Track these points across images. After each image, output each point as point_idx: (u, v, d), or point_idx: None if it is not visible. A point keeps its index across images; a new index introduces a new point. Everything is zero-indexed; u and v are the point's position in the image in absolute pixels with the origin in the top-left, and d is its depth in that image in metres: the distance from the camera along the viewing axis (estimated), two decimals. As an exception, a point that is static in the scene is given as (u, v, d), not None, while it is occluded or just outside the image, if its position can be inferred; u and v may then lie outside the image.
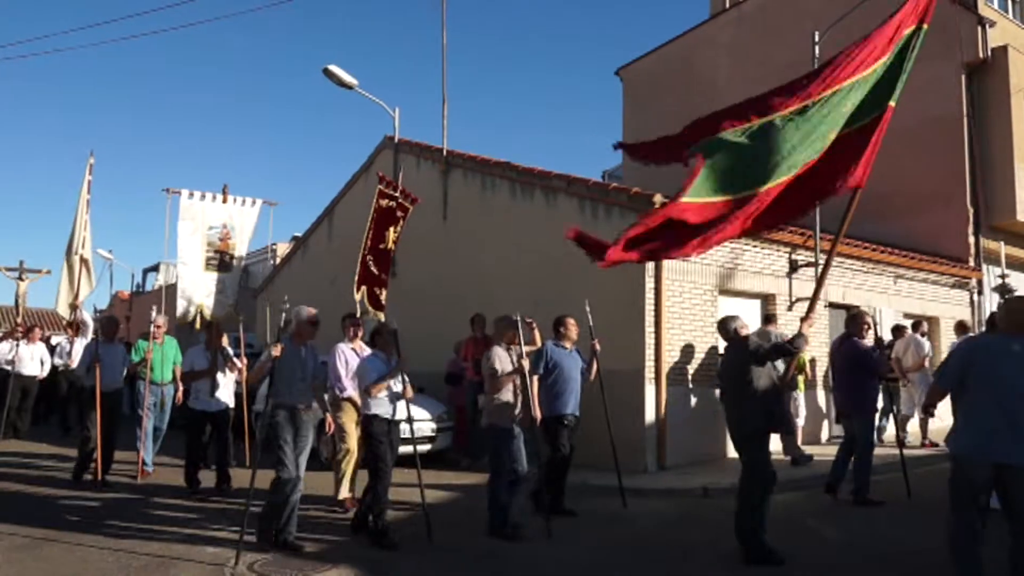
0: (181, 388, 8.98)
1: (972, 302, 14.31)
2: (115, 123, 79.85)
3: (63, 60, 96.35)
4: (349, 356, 7.26)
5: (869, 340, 7.74)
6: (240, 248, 8.77)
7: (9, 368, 12.13)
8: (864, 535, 6.35)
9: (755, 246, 10.80)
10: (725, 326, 5.85)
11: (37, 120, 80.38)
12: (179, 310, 8.18)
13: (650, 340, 9.38)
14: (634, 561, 5.60)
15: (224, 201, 8.72)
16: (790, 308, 11.05)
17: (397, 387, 6.13)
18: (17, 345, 12.21)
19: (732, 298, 10.63)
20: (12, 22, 77.14)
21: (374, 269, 7.66)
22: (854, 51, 5.11)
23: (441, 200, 13.02)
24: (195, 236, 8.24)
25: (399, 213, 7.68)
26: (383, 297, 7.82)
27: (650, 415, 9.29)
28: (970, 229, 14.19)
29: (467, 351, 10.15)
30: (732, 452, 10.18)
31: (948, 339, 13.44)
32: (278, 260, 23.84)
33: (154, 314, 8.80)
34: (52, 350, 14.32)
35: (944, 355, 12.67)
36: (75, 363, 11.55)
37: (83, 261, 11.21)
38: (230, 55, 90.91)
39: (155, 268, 34.45)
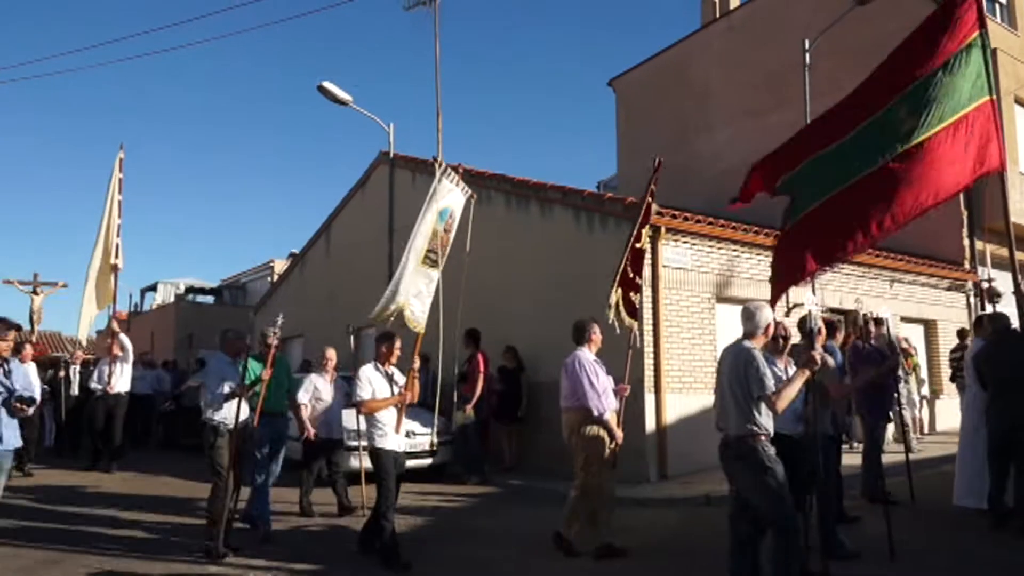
0: (307, 423, 7.57)
1: (969, 304, 14.34)
2: (120, 136, 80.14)
3: (70, 78, 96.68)
4: (599, 367, 5.96)
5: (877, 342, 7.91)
6: (449, 246, 6.69)
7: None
8: (869, 536, 6.36)
9: (751, 253, 10.84)
10: (1002, 320, 6.70)
11: (50, 129, 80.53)
12: (380, 304, 6.23)
13: (648, 349, 9.40)
14: (638, 571, 5.59)
15: (456, 183, 6.70)
16: (787, 314, 11.06)
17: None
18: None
19: (730, 306, 10.65)
20: (24, 40, 77.51)
21: (630, 271, 6.73)
22: (899, 60, 5.15)
23: (437, 214, 13.05)
24: (427, 220, 6.42)
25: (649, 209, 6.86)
26: (636, 302, 6.80)
27: (650, 424, 9.29)
28: (964, 232, 14.25)
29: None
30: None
31: (947, 342, 13.48)
32: (276, 277, 23.92)
33: (276, 326, 6.69)
34: (85, 372, 13.72)
35: (956, 359, 12.72)
36: (114, 388, 10.86)
37: (115, 270, 10.30)
38: (226, 73, 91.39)
39: (153, 288, 34.45)
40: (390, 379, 6.00)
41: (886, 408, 7.86)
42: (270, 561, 5.84)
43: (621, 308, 6.72)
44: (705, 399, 10.04)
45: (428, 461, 9.76)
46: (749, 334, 4.65)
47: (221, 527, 5.93)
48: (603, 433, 5.79)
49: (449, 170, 6.52)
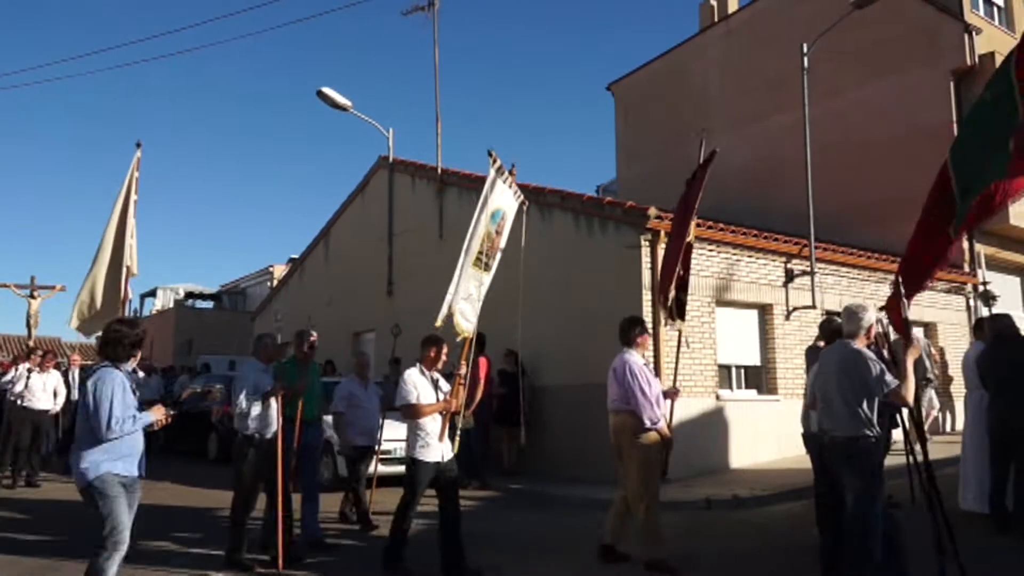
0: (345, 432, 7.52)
1: (969, 307, 14.33)
2: (120, 139, 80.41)
3: (70, 84, 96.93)
4: (648, 372, 5.69)
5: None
6: (499, 249, 6.25)
7: (18, 400, 10.47)
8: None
9: (750, 257, 10.84)
10: (1001, 322, 6.63)
11: (47, 133, 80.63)
12: (442, 312, 5.85)
13: (648, 352, 9.38)
14: (638, 574, 5.58)
15: (510, 185, 6.23)
16: (787, 317, 11.06)
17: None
18: (28, 373, 10.58)
19: (730, 309, 10.65)
20: (19, 46, 77.66)
21: (680, 268, 6.49)
22: None
23: (437, 218, 13.06)
24: (482, 220, 6.01)
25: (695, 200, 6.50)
26: (682, 299, 6.54)
27: (651, 428, 9.26)
28: (963, 235, 14.24)
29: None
30: (735, 463, 10.24)
31: (947, 344, 13.47)
32: (275, 282, 23.92)
33: (311, 328, 6.58)
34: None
35: (952, 362, 12.74)
36: None
37: (128, 272, 10.39)
38: (225, 79, 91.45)
39: (152, 293, 34.47)
40: (435, 384, 5.71)
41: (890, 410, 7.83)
42: (269, 568, 5.83)
43: (673, 309, 6.59)
44: (706, 403, 10.05)
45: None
46: (852, 334, 4.67)
47: (244, 536, 5.83)
48: (656, 440, 5.61)
49: (504, 169, 6.18)
